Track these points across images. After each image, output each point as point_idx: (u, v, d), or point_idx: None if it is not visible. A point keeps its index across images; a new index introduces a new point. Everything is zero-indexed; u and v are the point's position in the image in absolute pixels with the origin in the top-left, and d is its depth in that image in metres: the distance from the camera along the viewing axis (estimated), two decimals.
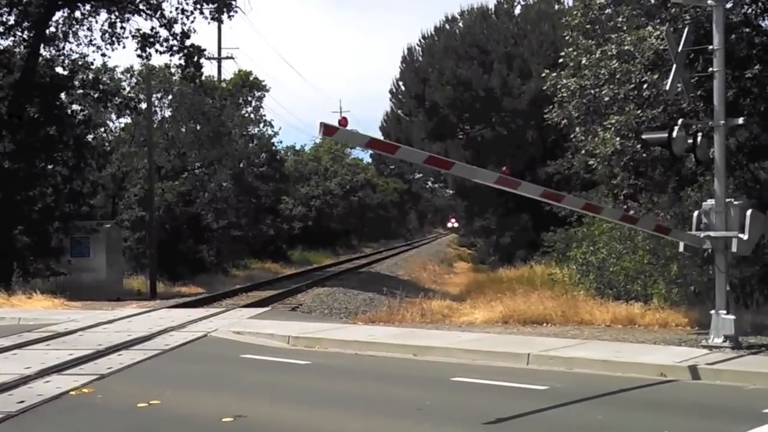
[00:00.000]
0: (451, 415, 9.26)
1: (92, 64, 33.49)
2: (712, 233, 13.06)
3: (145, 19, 31.33)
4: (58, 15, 30.70)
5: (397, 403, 9.95)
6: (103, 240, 30.86)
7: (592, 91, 17.58)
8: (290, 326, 16.86)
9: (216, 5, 31.65)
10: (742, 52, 15.93)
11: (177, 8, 30.94)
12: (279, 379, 11.91)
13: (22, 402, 9.93)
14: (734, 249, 13.05)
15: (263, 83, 53.20)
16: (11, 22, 29.48)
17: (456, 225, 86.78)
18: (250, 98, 52.91)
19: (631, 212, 20.11)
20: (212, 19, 32.37)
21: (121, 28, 31.17)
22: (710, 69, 13.32)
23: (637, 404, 9.80)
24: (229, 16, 32.53)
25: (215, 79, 51.27)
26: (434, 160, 12.26)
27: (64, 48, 31.42)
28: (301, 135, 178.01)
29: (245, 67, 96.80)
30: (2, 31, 29.43)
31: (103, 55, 32.20)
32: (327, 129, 10.35)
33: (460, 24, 52.36)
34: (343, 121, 10.36)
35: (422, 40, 53.82)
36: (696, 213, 13.59)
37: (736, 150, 16.84)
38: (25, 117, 29.01)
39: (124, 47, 37.14)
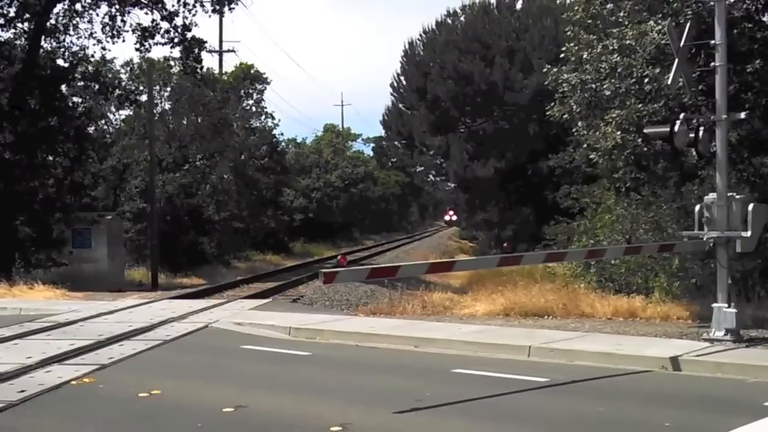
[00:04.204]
0: (451, 406, 9.27)
1: (92, 56, 33.49)
2: (714, 234, 13.08)
3: (146, 13, 31.26)
4: (59, 7, 30.63)
5: (397, 394, 9.96)
6: (104, 231, 30.86)
7: (594, 86, 17.61)
8: (291, 317, 16.89)
9: None
10: (744, 47, 15.96)
11: (178, 1, 30.90)
12: (279, 369, 11.94)
13: (23, 391, 9.95)
14: (739, 249, 13.09)
15: (264, 76, 53.36)
16: (12, 14, 29.45)
17: (454, 218, 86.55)
18: (251, 91, 52.99)
19: (633, 206, 20.21)
20: (213, 11, 32.24)
21: (122, 21, 31.09)
22: (712, 64, 13.33)
23: (638, 396, 9.82)
24: (230, 9, 32.46)
25: (216, 72, 51.31)
26: (436, 266, 13.09)
27: (64, 40, 31.37)
28: (303, 128, 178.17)
29: (247, 60, 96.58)
30: (3, 23, 29.37)
31: (104, 48, 32.07)
32: (328, 276, 10.15)
33: (462, 18, 52.32)
34: (342, 260, 10.42)
35: (423, 34, 53.80)
36: (698, 207, 13.61)
37: (738, 144, 16.87)
38: (26, 108, 29.00)
39: (123, 41, 37.13)
